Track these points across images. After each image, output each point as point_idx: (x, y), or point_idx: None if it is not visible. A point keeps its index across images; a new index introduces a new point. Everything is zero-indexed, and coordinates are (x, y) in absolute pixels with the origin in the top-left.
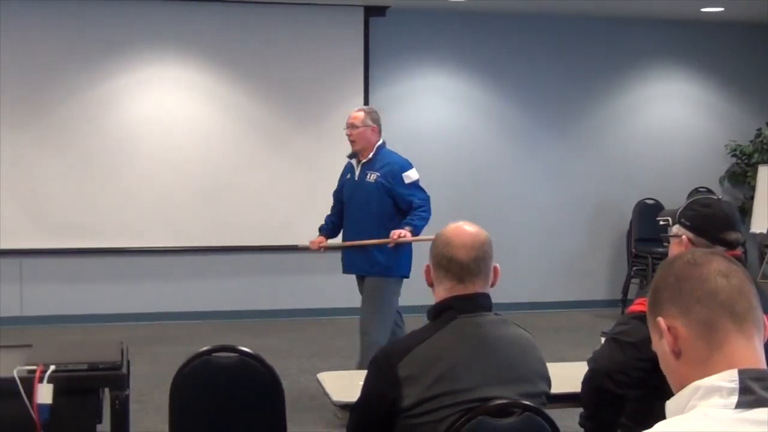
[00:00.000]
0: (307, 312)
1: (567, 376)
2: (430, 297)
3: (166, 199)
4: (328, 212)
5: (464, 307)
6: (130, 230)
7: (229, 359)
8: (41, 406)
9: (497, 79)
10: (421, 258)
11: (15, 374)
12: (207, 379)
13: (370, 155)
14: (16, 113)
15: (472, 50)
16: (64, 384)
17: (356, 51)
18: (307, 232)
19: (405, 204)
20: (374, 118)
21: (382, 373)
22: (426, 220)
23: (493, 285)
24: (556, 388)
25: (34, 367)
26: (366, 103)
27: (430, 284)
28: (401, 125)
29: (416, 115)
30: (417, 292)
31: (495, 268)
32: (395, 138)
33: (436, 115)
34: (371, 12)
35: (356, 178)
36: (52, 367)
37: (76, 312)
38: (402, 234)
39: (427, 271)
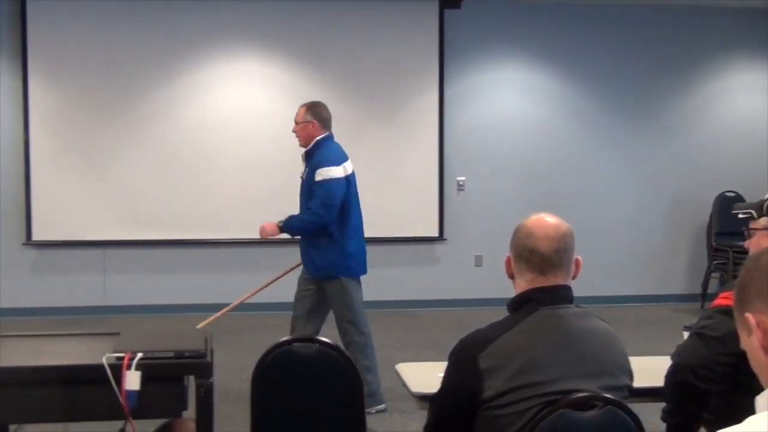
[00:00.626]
0: (382, 304)
1: (648, 369)
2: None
3: (244, 191)
4: (402, 204)
5: (545, 299)
6: (210, 222)
7: (309, 349)
8: (129, 393)
9: (573, 71)
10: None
11: (104, 361)
12: (288, 369)
13: (307, 150)
14: (102, 108)
15: (548, 41)
16: (151, 371)
17: (431, 43)
18: (382, 224)
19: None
20: (315, 112)
21: (463, 365)
22: (308, 227)
23: (574, 277)
24: (638, 382)
25: (122, 355)
26: (441, 96)
27: (511, 276)
28: (476, 118)
29: (491, 108)
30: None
31: (577, 261)
32: (470, 130)
33: (511, 108)
34: (446, 4)
35: (303, 176)
36: (140, 355)
37: (156, 302)
38: (268, 230)
39: (508, 263)
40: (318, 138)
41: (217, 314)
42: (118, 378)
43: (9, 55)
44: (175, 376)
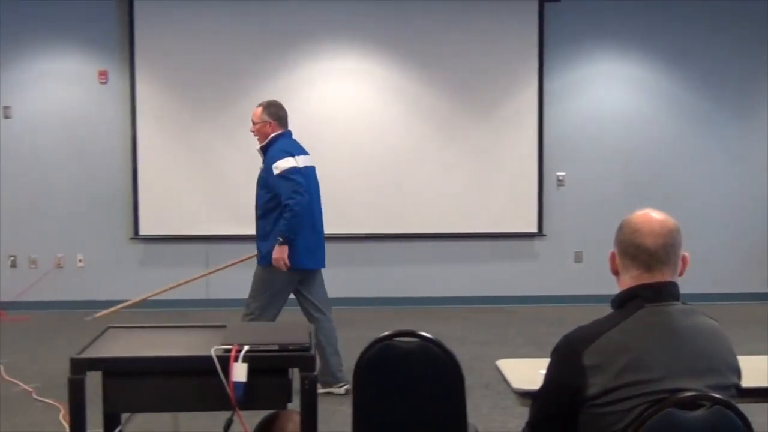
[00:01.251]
0: (480, 299)
1: (758, 369)
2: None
3: (344, 187)
4: (501, 200)
5: (651, 295)
6: None
7: (410, 344)
8: (236, 384)
9: (675, 63)
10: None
11: (213, 353)
12: (389, 363)
13: (263, 147)
14: (207, 106)
15: (649, 33)
16: (257, 363)
17: (531, 38)
18: (481, 221)
19: (280, 197)
20: (271, 112)
21: (567, 361)
22: (292, 222)
23: (681, 274)
24: (747, 382)
25: (230, 347)
26: (540, 90)
27: (615, 272)
28: (577, 112)
29: (592, 101)
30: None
31: (684, 257)
32: (570, 125)
33: (613, 101)
34: None
35: (260, 173)
36: (246, 347)
37: None
38: (280, 256)
39: (612, 259)
40: (274, 135)
41: (117, 307)
42: (226, 370)
43: (118, 55)
44: (280, 369)
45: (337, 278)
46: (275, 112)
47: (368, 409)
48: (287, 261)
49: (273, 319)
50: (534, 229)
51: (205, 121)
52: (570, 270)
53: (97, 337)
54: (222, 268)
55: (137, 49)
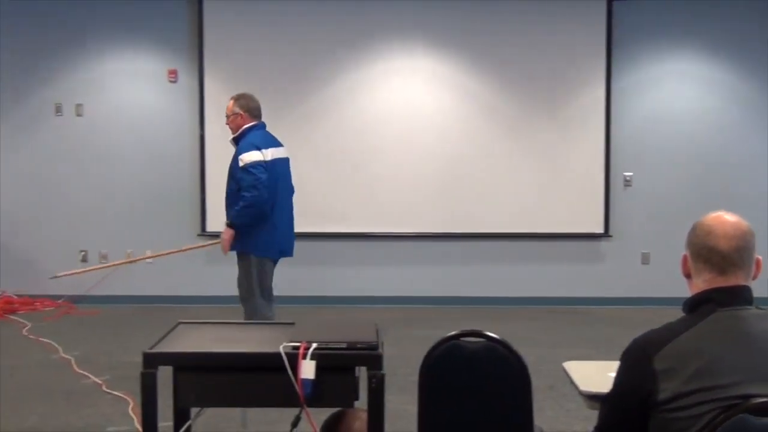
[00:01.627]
0: (545, 300)
1: None
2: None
3: (408, 186)
4: (566, 200)
5: (725, 299)
6: (375, 216)
7: (477, 344)
8: (305, 381)
9: (747, 62)
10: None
11: (281, 350)
12: (455, 363)
13: (235, 138)
14: (273, 105)
15: (718, 31)
16: (325, 361)
17: (598, 37)
18: (546, 221)
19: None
20: (242, 104)
21: (638, 365)
22: (247, 212)
23: (755, 278)
24: None
25: (298, 344)
26: (608, 91)
27: (687, 275)
28: (645, 111)
29: (661, 101)
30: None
31: (758, 260)
32: (638, 124)
33: (682, 100)
34: None
35: (230, 163)
36: (314, 345)
37: (324, 293)
38: (226, 237)
39: (684, 262)
40: (246, 126)
41: (83, 270)
42: (294, 367)
43: (187, 54)
44: (348, 367)
45: (404, 277)
46: (245, 104)
47: (434, 409)
48: (228, 243)
49: (271, 311)
50: (600, 229)
51: (271, 119)
52: (637, 272)
53: (168, 332)
54: (185, 250)
55: (206, 48)
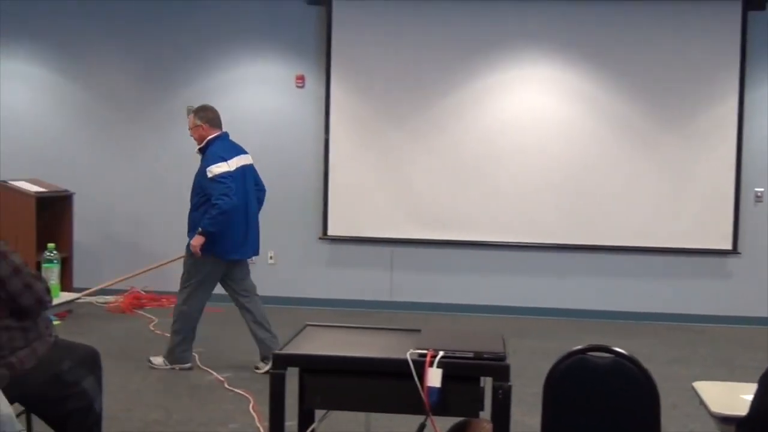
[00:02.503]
0: (668, 317)
1: None
2: None
3: (529, 195)
4: (692, 214)
5: None
6: (495, 225)
7: (604, 359)
8: (431, 389)
9: None
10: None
11: (408, 357)
12: (582, 377)
13: (200, 148)
14: (398, 111)
15: None
16: (451, 370)
17: (732, 47)
18: (671, 235)
19: (208, 193)
20: (202, 116)
21: None
22: (220, 219)
23: None
24: None
25: (425, 352)
26: (740, 102)
27: None
28: None
29: None
30: None
31: None
32: None
33: None
34: (750, 6)
35: (198, 170)
36: (441, 353)
37: (440, 300)
38: (195, 243)
39: None
40: (210, 137)
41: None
42: (421, 374)
43: (314, 60)
44: (474, 377)
45: (519, 287)
46: (205, 116)
47: (558, 423)
48: (198, 249)
49: (200, 309)
50: (728, 246)
51: (396, 125)
52: (764, 291)
53: (296, 334)
54: (159, 266)
55: (333, 54)
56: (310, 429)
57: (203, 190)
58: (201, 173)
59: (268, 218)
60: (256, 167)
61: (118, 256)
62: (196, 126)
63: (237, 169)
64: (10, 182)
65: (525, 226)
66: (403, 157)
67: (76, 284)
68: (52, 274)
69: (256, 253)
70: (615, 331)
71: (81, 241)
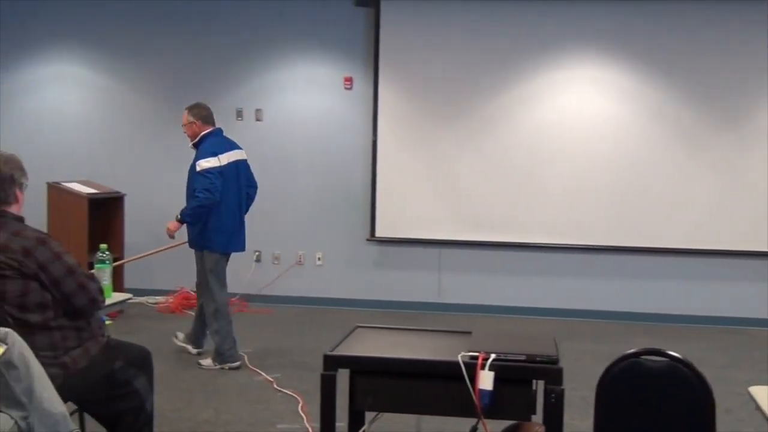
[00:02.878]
0: (721, 320)
1: None
2: None
3: (580, 197)
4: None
5: None
6: (543, 226)
7: (658, 363)
8: (483, 392)
9: None
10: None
11: (459, 359)
12: (635, 381)
13: (195, 143)
14: (445, 112)
15: None
16: (503, 372)
17: None
18: (724, 237)
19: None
20: (194, 113)
21: None
22: (195, 212)
23: None
24: None
25: (477, 354)
26: None
27: None
28: None
29: None
30: None
31: None
32: None
33: None
34: None
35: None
36: (493, 356)
37: (488, 302)
38: (171, 227)
39: None
40: (203, 133)
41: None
42: (472, 376)
43: (363, 62)
44: (526, 380)
45: (568, 289)
46: (198, 113)
47: (610, 426)
48: (172, 233)
49: (228, 302)
50: None
51: (443, 127)
52: None
53: (346, 336)
54: (151, 254)
55: (382, 56)
56: (360, 431)
57: (192, 184)
58: (192, 167)
59: (315, 219)
60: (303, 168)
61: (169, 257)
62: (190, 123)
63: (229, 164)
64: (63, 184)
65: (573, 228)
66: (451, 158)
67: (126, 285)
68: (104, 274)
69: (244, 247)
70: (665, 334)
71: (132, 241)
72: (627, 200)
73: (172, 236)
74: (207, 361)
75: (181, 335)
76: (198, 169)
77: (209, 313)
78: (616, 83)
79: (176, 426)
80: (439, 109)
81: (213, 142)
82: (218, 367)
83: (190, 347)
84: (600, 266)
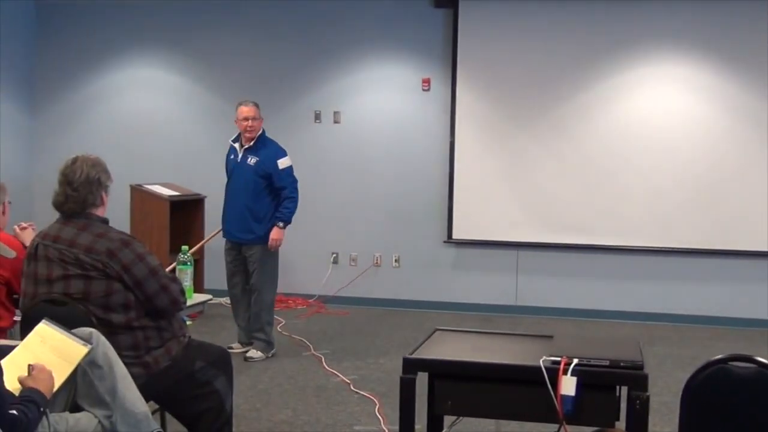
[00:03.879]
0: None
1: None
2: None
3: (658, 199)
4: None
5: None
6: (623, 228)
7: (746, 370)
8: (564, 397)
9: None
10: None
11: (541, 364)
12: (723, 387)
13: (252, 143)
14: (523, 113)
15: None
16: (585, 378)
17: None
18: None
19: (278, 185)
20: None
21: None
22: (292, 209)
23: None
24: None
25: (559, 359)
26: None
27: None
28: None
29: None
30: None
31: None
32: None
33: None
34: None
35: (238, 160)
36: (575, 361)
37: (566, 305)
38: (274, 238)
39: None
40: (259, 133)
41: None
42: (554, 382)
43: (441, 63)
44: (609, 385)
45: (651, 292)
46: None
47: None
48: (279, 243)
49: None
50: None
51: (521, 128)
52: None
53: (426, 339)
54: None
55: (459, 57)
56: None
57: (267, 181)
58: (270, 164)
59: (393, 221)
60: (380, 170)
61: None
62: (261, 119)
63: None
64: (145, 186)
65: (654, 230)
66: (529, 160)
67: (206, 285)
68: (185, 275)
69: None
70: (752, 339)
71: (212, 243)
72: (710, 202)
73: (279, 245)
74: (257, 354)
75: (236, 344)
76: (282, 167)
77: (266, 302)
78: (698, 81)
79: (255, 426)
80: (516, 109)
81: (273, 141)
82: (268, 356)
83: (240, 347)
84: (681, 269)
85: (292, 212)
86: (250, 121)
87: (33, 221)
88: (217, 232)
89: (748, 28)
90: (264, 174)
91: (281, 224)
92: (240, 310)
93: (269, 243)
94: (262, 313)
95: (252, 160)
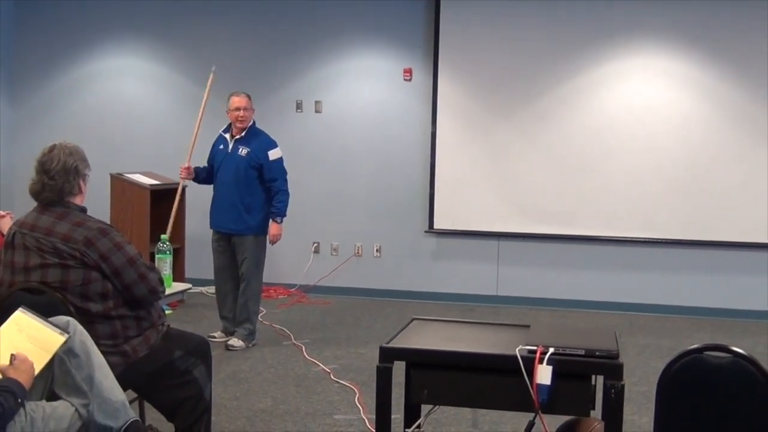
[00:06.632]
0: None
1: None
2: None
3: (639, 189)
4: None
5: None
6: (603, 219)
7: (722, 359)
8: (540, 386)
9: None
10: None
11: (517, 353)
12: (698, 377)
13: (243, 133)
14: (504, 104)
15: None
16: (561, 367)
17: None
18: None
19: (268, 176)
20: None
21: None
22: (286, 202)
23: None
24: None
25: (534, 348)
26: None
27: None
28: None
29: None
30: None
31: None
32: None
33: None
34: None
35: (229, 150)
36: (551, 350)
37: (546, 295)
38: (275, 234)
39: None
40: (250, 124)
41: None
42: (530, 371)
43: (422, 54)
44: (584, 375)
45: (627, 282)
46: None
47: (672, 422)
48: (278, 238)
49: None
50: None
51: (503, 119)
52: None
53: (403, 328)
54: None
55: (441, 47)
56: (416, 424)
57: (258, 171)
58: (261, 154)
59: (374, 211)
60: (362, 160)
61: None
62: (253, 109)
63: None
64: (125, 175)
65: (635, 221)
66: (510, 150)
67: (187, 275)
68: (164, 264)
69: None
70: (728, 329)
71: (193, 232)
72: (690, 193)
73: (280, 239)
74: (238, 342)
75: (218, 333)
76: (272, 158)
77: (254, 291)
78: (679, 72)
79: (234, 415)
80: (498, 100)
81: (263, 132)
82: (249, 345)
83: (223, 336)
84: (662, 259)
85: (286, 205)
86: (241, 111)
87: (12, 210)
88: (183, 189)
89: (728, 20)
90: (255, 164)
91: (279, 219)
92: (227, 303)
93: (270, 239)
94: (249, 303)
95: (243, 151)
